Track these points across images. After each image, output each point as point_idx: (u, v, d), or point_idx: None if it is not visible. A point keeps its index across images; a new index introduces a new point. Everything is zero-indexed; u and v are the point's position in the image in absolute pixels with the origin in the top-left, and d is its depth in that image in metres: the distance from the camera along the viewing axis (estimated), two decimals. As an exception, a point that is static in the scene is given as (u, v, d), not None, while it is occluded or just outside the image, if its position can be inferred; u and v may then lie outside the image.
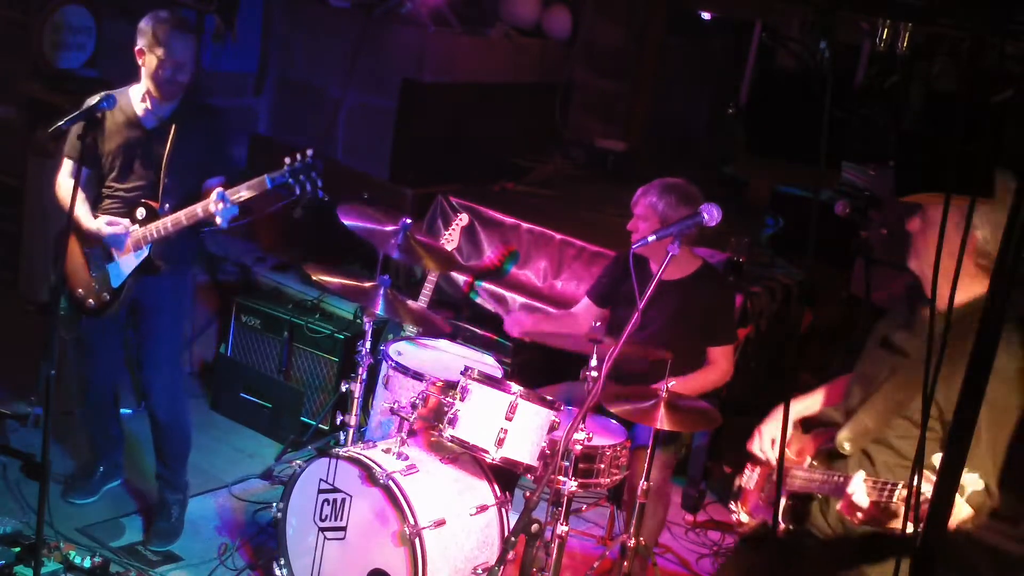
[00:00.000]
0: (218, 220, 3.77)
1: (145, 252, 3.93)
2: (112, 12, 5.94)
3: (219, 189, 3.78)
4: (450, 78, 6.61)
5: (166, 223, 3.86)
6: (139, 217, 3.91)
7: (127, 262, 3.95)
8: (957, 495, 2.52)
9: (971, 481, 2.44)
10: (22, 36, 5.79)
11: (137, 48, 3.88)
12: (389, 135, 6.52)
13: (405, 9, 6.49)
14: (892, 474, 2.68)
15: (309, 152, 3.80)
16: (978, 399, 1.60)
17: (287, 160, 3.80)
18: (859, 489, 2.56)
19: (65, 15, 5.78)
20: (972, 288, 2.62)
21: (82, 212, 3.92)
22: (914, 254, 2.77)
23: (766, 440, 3.02)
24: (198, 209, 3.80)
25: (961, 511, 2.44)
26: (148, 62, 3.86)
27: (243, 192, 3.78)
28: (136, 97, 3.95)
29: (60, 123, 3.51)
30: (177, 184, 3.93)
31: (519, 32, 7.12)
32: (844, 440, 2.80)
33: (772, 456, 3.00)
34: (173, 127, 3.91)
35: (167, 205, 3.90)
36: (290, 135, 6.88)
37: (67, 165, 3.99)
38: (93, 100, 3.50)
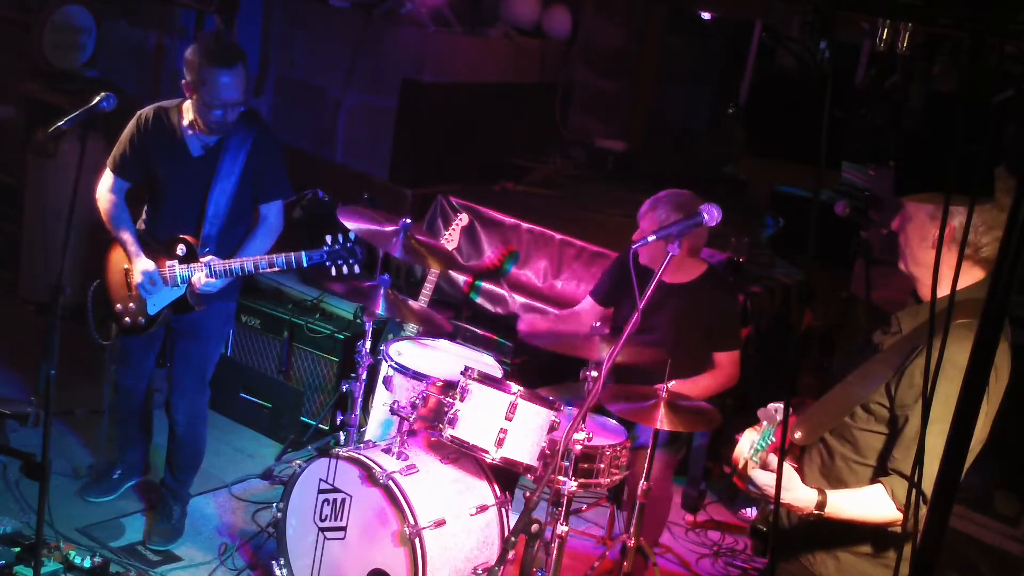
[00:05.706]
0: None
1: (181, 291, 3.88)
2: (112, 12, 5.94)
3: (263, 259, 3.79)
4: (450, 78, 6.60)
5: (238, 264, 3.80)
6: (179, 254, 3.86)
7: (165, 294, 3.91)
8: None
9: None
10: (22, 36, 5.79)
11: (183, 81, 3.68)
12: (389, 135, 6.51)
13: (405, 9, 6.48)
14: (848, 469, 2.60)
15: (352, 235, 3.80)
16: (977, 402, 1.60)
17: (328, 239, 3.80)
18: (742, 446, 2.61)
19: (65, 15, 5.78)
20: (959, 280, 2.56)
21: (132, 241, 3.88)
22: (900, 253, 2.66)
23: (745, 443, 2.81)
24: (281, 259, 3.77)
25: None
26: (195, 100, 3.67)
27: (279, 261, 3.80)
28: (185, 120, 3.79)
29: (60, 123, 3.50)
30: (220, 213, 3.85)
31: (519, 32, 7.11)
32: (796, 428, 2.70)
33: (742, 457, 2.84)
34: (220, 155, 3.80)
35: (207, 248, 3.83)
36: (290, 135, 6.88)
37: (109, 177, 3.92)
38: (93, 100, 3.49)
